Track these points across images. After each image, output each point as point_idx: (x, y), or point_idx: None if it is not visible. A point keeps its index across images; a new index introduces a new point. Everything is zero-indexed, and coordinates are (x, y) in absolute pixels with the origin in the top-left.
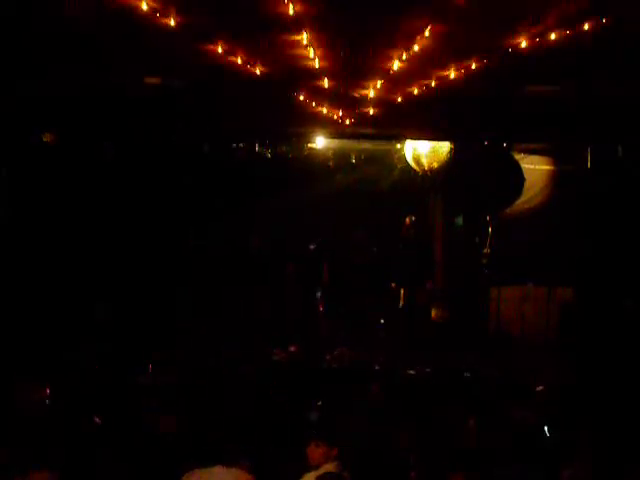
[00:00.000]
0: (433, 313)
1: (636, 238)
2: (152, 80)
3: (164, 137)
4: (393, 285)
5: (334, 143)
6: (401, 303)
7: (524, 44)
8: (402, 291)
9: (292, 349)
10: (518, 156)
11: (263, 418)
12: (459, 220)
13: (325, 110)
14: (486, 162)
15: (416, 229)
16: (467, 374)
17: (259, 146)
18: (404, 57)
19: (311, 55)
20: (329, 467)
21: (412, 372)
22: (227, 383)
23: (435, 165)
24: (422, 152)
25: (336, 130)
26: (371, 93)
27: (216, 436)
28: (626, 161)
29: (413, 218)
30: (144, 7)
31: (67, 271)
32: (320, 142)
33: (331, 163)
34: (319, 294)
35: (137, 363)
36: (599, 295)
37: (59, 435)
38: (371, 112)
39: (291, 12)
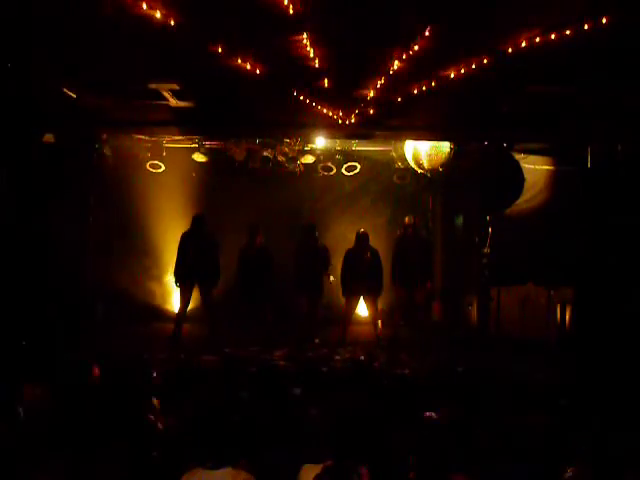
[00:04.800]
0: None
1: (636, 238)
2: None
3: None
4: (394, 285)
5: (333, 143)
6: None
7: (524, 44)
8: (403, 291)
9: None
10: (518, 156)
11: (263, 417)
12: (459, 220)
13: (325, 110)
14: (486, 162)
15: (416, 229)
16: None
17: (261, 147)
18: (404, 57)
19: (311, 55)
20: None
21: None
22: (227, 382)
23: (435, 165)
24: (422, 152)
25: (336, 130)
26: (371, 93)
27: (216, 436)
28: (626, 161)
29: (413, 218)
30: (144, 7)
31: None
32: (320, 142)
33: (331, 164)
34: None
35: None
36: (599, 295)
37: (59, 435)
38: (371, 112)
39: (291, 12)
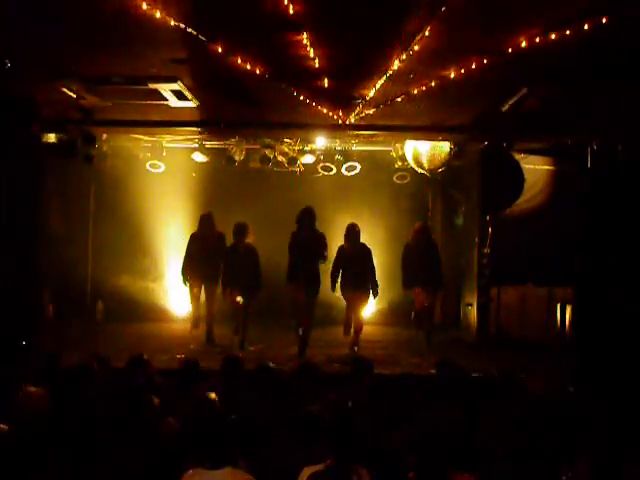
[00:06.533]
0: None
1: (636, 238)
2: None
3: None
4: (404, 289)
5: (333, 143)
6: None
7: (524, 44)
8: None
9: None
10: (518, 156)
11: (262, 417)
12: (459, 220)
13: (325, 110)
14: (486, 162)
15: (426, 233)
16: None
17: (261, 147)
18: (404, 57)
19: (311, 55)
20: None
21: (433, 371)
22: (226, 381)
23: (435, 165)
24: (422, 152)
25: (336, 130)
26: (371, 93)
27: (216, 436)
28: (626, 161)
29: (424, 223)
30: (144, 7)
31: None
32: (320, 142)
33: (331, 164)
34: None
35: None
36: (599, 295)
37: (59, 436)
38: (371, 112)
39: (291, 12)
